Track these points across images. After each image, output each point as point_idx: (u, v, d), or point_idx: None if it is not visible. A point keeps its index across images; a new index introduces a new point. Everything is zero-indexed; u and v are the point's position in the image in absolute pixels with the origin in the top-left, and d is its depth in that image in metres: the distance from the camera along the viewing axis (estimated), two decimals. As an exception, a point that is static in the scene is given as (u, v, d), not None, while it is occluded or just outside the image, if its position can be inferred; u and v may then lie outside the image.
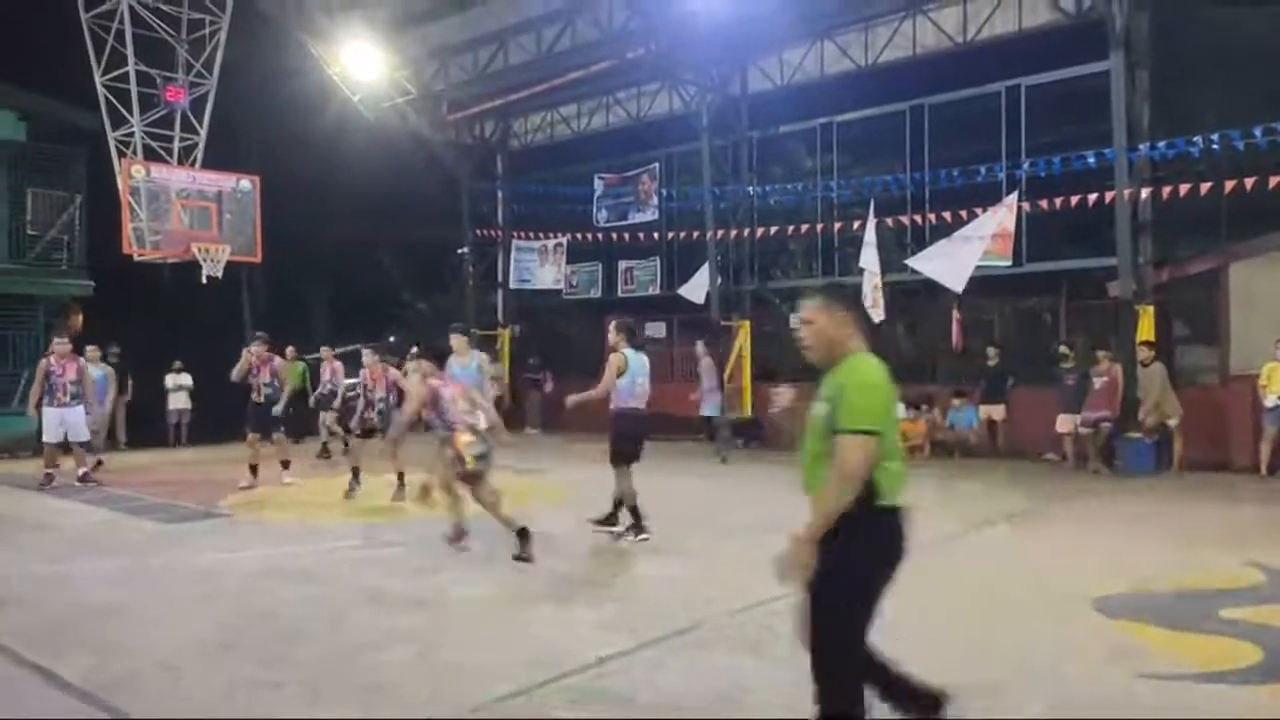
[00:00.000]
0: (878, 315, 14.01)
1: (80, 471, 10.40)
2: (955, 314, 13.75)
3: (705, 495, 10.06)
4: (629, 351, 7.09)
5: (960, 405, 13.30)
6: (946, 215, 13.51)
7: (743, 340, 15.84)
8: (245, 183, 15.49)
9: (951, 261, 13.25)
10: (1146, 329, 11.63)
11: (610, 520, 7.16)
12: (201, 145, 15.19)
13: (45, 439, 10.30)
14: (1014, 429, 13.04)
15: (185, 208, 14.57)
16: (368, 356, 10.05)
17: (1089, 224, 12.52)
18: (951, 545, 6.94)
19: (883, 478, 2.83)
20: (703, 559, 6.68)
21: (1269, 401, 10.58)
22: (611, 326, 7.34)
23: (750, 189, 16.36)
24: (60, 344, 10.46)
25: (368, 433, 9.91)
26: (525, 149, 20.59)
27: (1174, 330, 12.82)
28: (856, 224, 14.43)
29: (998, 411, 13.09)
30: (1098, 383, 11.62)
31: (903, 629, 3.47)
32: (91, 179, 15.68)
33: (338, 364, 12.48)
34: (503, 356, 19.21)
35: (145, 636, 4.77)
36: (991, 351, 13.30)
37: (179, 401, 15.67)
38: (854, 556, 2.81)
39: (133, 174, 14.21)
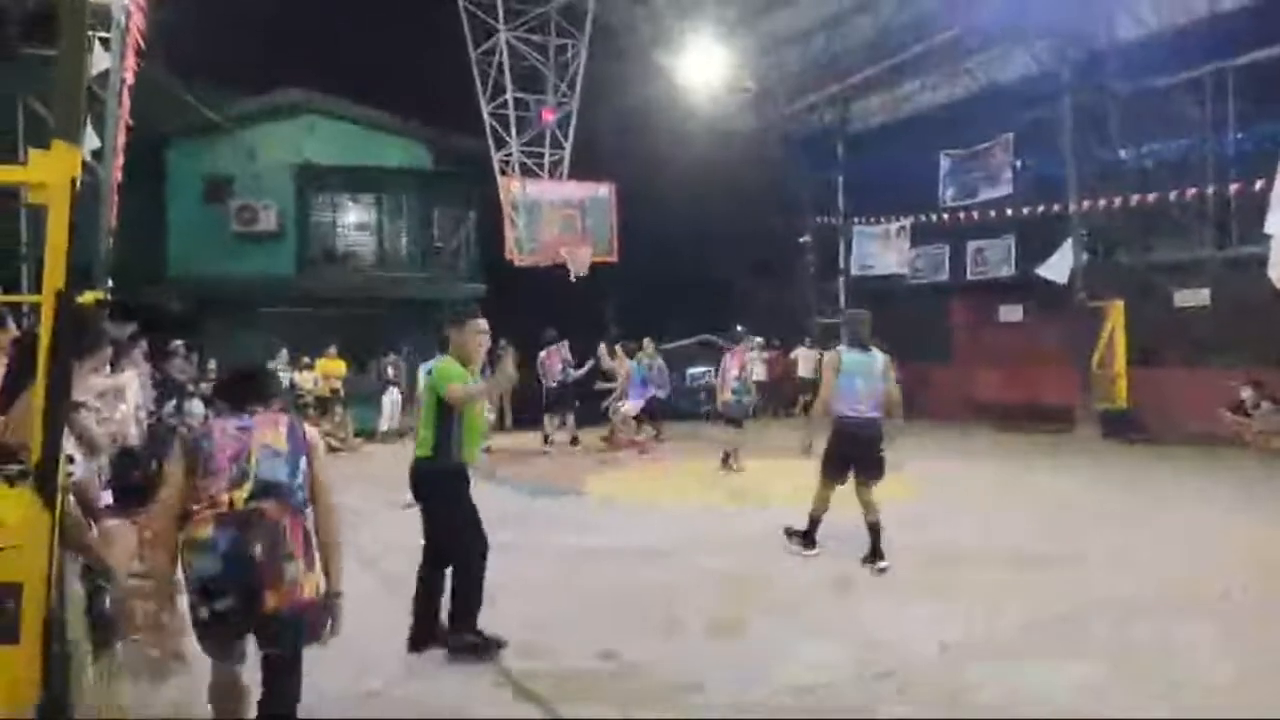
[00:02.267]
0: (1291, 288, 11.93)
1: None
2: (1402, 283, 11.29)
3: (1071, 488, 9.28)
4: (845, 350, 6.39)
5: None
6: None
7: (1115, 322, 14.28)
8: (603, 190, 16.89)
9: (1395, 220, 10.91)
10: None
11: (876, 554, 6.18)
12: (566, 159, 16.80)
13: None
14: None
15: (555, 217, 16.23)
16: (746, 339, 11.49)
17: None
18: None
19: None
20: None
21: None
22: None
23: (1122, 152, 14.67)
24: None
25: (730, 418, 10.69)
26: (865, 131, 20.19)
27: None
28: (1259, 183, 12.39)
29: None
30: None
31: None
32: (481, 196, 18.05)
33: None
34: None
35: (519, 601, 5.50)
36: None
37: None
38: None
39: (512, 190, 16.10)
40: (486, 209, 17.70)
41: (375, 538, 6.91)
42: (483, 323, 4.60)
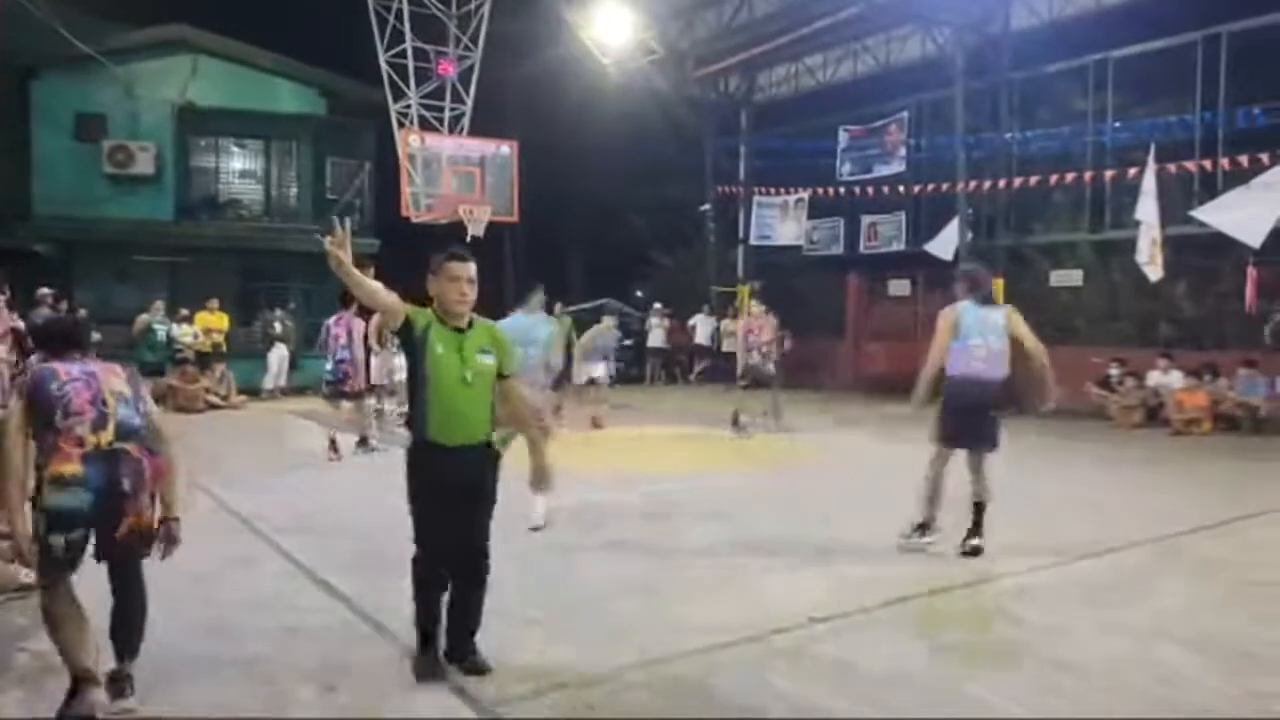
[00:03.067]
0: (1155, 273, 12.75)
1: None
2: (1251, 271, 12.18)
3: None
4: (965, 305, 5.70)
5: (1250, 375, 11.80)
6: (1243, 160, 11.94)
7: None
8: (505, 148, 16.56)
9: (1249, 212, 11.75)
10: None
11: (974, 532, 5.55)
12: (468, 114, 16.38)
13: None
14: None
15: (454, 173, 15.85)
16: (755, 307, 11.54)
17: None
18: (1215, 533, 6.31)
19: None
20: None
21: None
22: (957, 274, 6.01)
23: (1009, 136, 15.27)
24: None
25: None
26: (769, 103, 20.41)
27: None
28: (1133, 171, 13.13)
29: (1300, 383, 11.50)
30: None
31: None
32: (378, 148, 17.47)
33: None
34: (742, 313, 19.38)
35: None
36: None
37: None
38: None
39: (409, 143, 15.62)
40: (383, 162, 17.18)
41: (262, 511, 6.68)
42: (462, 267, 3.64)
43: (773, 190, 19.43)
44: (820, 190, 18.08)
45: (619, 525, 6.41)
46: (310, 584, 4.97)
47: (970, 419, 5.57)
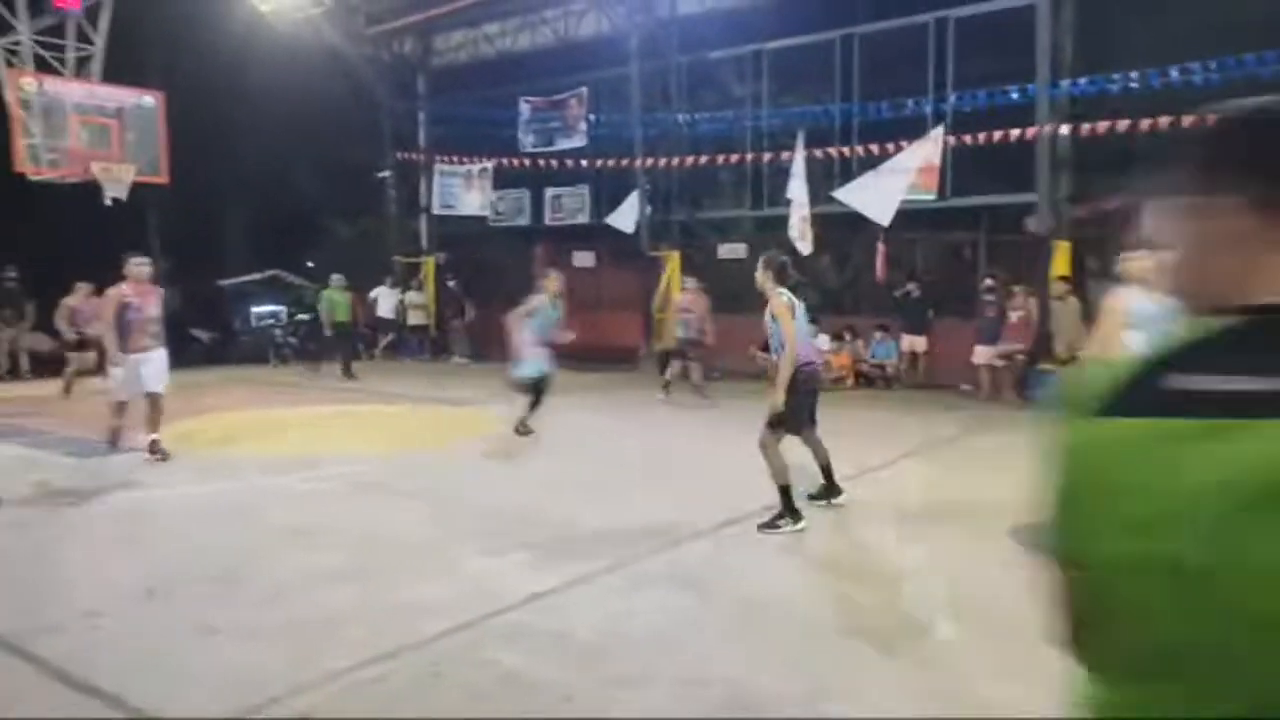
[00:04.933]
0: (806, 248, 14.16)
1: None
2: (881, 247, 13.96)
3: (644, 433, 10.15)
4: (786, 293, 5.99)
5: (882, 338, 13.60)
6: (874, 148, 13.59)
7: (672, 270, 15.82)
8: (148, 98, 14.59)
9: (877, 194, 13.40)
10: (1062, 264, 12.00)
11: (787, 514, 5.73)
12: (99, 57, 14.18)
13: None
14: (935, 360, 13.41)
15: (84, 124, 13.67)
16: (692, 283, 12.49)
17: (1011, 159, 12.74)
18: (871, 475, 7.19)
19: None
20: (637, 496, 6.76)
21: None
22: (760, 263, 6.16)
23: (680, 116, 16.15)
24: None
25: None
26: (447, 68, 19.87)
27: (1087, 266, 13.25)
28: (786, 154, 14.44)
29: (919, 343, 13.43)
30: (1014, 316, 11.99)
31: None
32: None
33: None
34: (427, 284, 18.86)
35: (69, 583, 4.63)
36: (912, 284, 13.59)
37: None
38: None
39: (22, 87, 13.22)
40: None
41: None
42: None
43: (455, 159, 19.00)
44: (504, 160, 17.97)
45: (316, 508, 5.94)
46: None
47: (809, 406, 6.48)
